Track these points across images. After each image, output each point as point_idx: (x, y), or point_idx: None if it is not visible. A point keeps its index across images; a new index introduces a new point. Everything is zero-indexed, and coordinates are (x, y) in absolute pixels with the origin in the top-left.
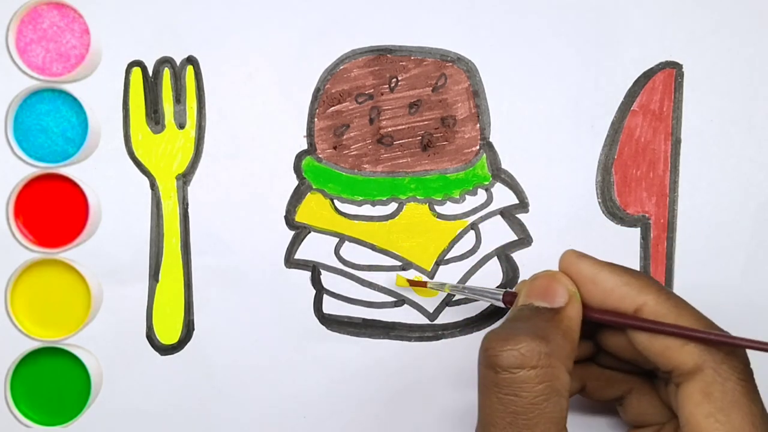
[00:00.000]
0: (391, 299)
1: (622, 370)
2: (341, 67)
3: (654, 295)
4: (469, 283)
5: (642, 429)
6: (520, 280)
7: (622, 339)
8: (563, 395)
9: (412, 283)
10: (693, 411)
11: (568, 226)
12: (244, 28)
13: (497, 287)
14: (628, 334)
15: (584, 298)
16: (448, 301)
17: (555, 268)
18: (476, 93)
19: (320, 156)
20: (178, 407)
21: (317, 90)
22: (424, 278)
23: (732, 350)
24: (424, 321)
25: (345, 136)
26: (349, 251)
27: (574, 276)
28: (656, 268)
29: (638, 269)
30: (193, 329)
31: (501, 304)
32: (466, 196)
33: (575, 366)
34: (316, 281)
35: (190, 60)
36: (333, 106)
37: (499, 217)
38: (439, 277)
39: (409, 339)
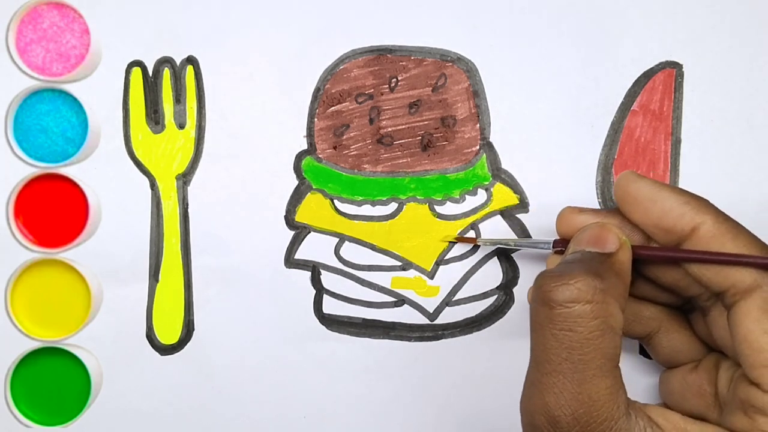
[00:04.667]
0: (391, 299)
1: (654, 301)
2: (341, 67)
3: (712, 216)
4: (471, 281)
5: (676, 369)
6: (520, 279)
7: (669, 266)
8: (617, 332)
9: (459, 240)
10: (751, 327)
11: None
12: (244, 28)
13: (497, 287)
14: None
15: (639, 219)
16: (448, 301)
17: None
18: (476, 93)
19: (320, 156)
20: (178, 407)
21: (317, 90)
22: (426, 280)
23: None
24: (424, 321)
25: (345, 136)
26: (349, 251)
27: (633, 194)
28: None
29: None
30: (193, 329)
31: (550, 251)
32: (466, 196)
33: None
34: (316, 281)
35: (190, 60)
36: (333, 106)
37: (499, 217)
38: (439, 277)
39: (409, 339)
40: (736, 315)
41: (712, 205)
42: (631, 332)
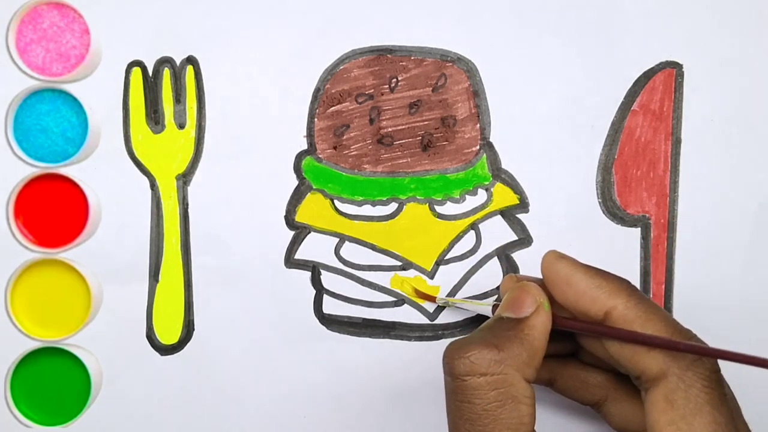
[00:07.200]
0: (391, 299)
1: (604, 368)
2: (341, 67)
3: (624, 300)
4: (471, 281)
5: None
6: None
7: (597, 342)
8: (522, 401)
9: (420, 295)
10: (656, 418)
11: (568, 226)
12: (244, 28)
13: (497, 287)
14: (601, 339)
15: (559, 299)
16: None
17: None
18: (476, 93)
19: (320, 156)
20: (178, 407)
21: (317, 90)
22: (426, 280)
23: (699, 356)
24: (424, 321)
25: (345, 136)
26: (349, 251)
27: (551, 277)
28: (656, 268)
29: (638, 269)
30: (193, 329)
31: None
32: (467, 196)
33: (550, 359)
34: (316, 281)
35: (190, 60)
36: (333, 106)
37: (499, 217)
38: (439, 277)
39: (409, 339)
40: (646, 403)
41: (628, 287)
42: (579, 398)
